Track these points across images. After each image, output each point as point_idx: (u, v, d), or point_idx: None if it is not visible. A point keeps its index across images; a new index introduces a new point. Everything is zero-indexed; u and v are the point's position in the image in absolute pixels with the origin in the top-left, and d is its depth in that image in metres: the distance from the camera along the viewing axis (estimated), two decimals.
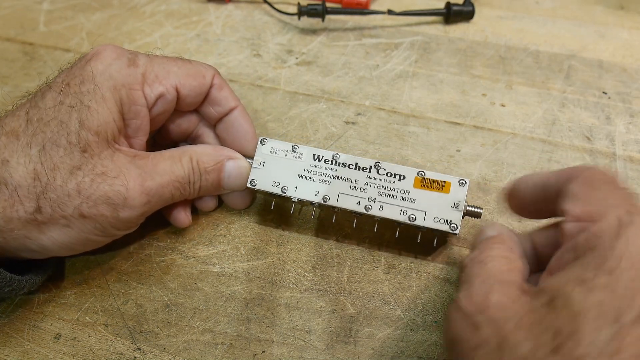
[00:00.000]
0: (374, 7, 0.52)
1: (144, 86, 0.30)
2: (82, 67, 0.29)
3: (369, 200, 0.31)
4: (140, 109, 0.30)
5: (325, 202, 0.31)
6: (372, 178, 0.31)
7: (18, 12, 0.52)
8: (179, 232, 0.35)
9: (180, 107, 0.32)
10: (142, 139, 0.31)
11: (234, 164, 0.32)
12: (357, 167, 0.32)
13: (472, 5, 0.49)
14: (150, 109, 0.31)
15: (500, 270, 0.23)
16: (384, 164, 0.32)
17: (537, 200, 0.26)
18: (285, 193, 0.32)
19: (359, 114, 0.42)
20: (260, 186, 0.32)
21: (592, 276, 0.19)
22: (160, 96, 0.31)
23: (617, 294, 0.19)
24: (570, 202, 0.23)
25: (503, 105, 0.42)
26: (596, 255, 0.20)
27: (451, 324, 0.22)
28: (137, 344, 0.30)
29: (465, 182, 0.30)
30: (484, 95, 0.43)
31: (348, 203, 0.31)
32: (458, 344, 0.22)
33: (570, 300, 0.19)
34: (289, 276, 0.32)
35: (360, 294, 0.32)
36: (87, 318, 0.31)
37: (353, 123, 0.41)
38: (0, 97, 0.44)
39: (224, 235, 0.34)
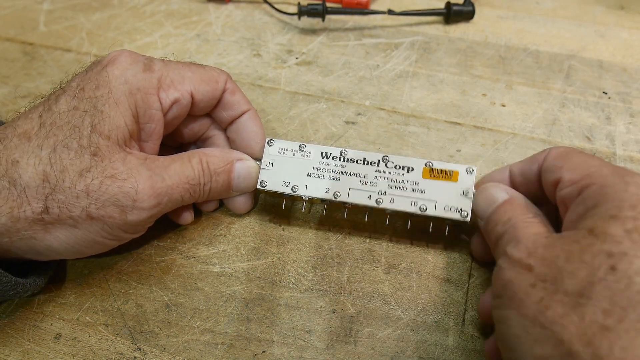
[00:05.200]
0: (374, 7, 0.52)
1: (159, 91, 0.30)
2: (98, 72, 0.29)
3: (380, 193, 0.31)
4: (155, 113, 0.30)
5: (336, 198, 0.31)
6: (381, 172, 0.32)
7: (18, 12, 0.52)
8: (179, 232, 0.35)
9: (193, 111, 0.33)
10: (155, 142, 0.31)
11: (243, 165, 0.33)
12: (365, 162, 0.32)
13: (472, 5, 0.49)
14: (165, 114, 0.31)
15: (531, 223, 0.26)
16: (391, 157, 0.32)
17: (519, 186, 0.30)
18: (295, 192, 0.32)
19: (359, 114, 0.42)
20: (270, 187, 0.32)
21: (618, 212, 0.22)
22: (175, 101, 0.31)
23: None
24: (557, 172, 0.26)
25: (503, 105, 0.42)
26: (612, 199, 0.23)
27: (502, 271, 0.24)
28: (137, 344, 0.30)
29: (473, 170, 0.31)
30: (484, 95, 0.43)
31: (359, 198, 0.31)
32: (511, 287, 0.24)
33: (608, 230, 0.22)
34: (289, 276, 0.32)
35: (360, 294, 0.32)
36: (87, 318, 0.31)
37: (353, 123, 0.41)
38: (0, 97, 0.44)
39: (224, 235, 0.34)
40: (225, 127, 0.35)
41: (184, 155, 0.31)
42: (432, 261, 0.33)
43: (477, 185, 0.31)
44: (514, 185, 0.30)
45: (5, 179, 0.26)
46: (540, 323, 0.22)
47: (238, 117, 0.34)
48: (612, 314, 0.20)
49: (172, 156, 0.31)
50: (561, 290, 0.22)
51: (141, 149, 0.31)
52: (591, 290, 0.21)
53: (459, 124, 0.41)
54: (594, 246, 0.22)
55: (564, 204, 0.26)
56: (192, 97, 0.31)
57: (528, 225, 0.26)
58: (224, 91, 0.33)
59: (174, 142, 0.35)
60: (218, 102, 0.33)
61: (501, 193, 0.29)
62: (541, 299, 0.22)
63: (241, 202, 0.34)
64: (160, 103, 0.30)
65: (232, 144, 0.35)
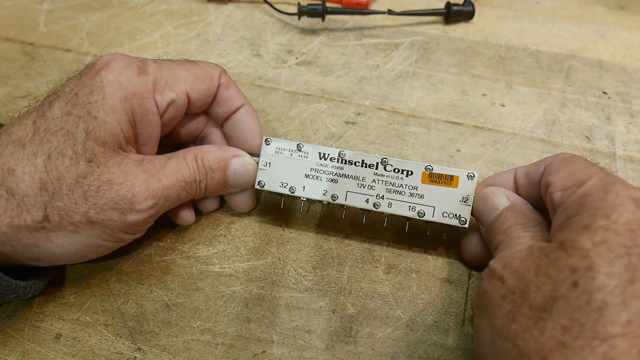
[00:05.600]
0: (374, 7, 0.52)
1: (154, 94, 0.30)
2: (91, 77, 0.29)
3: (377, 197, 0.31)
4: (152, 117, 0.30)
5: (334, 200, 0.31)
6: (379, 175, 0.31)
7: (18, 12, 0.52)
8: (179, 232, 0.35)
9: (190, 110, 0.33)
10: (153, 145, 0.31)
11: (239, 161, 0.32)
12: (364, 164, 0.32)
13: (472, 5, 0.49)
14: (161, 116, 0.31)
15: (525, 234, 0.26)
16: (390, 160, 0.31)
17: (522, 188, 0.30)
18: (293, 193, 0.32)
19: (359, 114, 0.42)
20: (268, 187, 0.32)
21: (590, 222, 0.22)
22: (171, 102, 0.31)
23: (618, 233, 0.21)
24: (554, 175, 0.26)
25: (503, 105, 0.42)
26: (589, 207, 0.23)
27: (481, 282, 0.25)
28: (137, 344, 0.30)
29: (474, 176, 0.31)
30: (484, 95, 0.43)
31: (356, 201, 0.31)
32: (486, 297, 0.24)
33: (576, 243, 0.21)
34: (289, 276, 0.32)
35: (360, 294, 0.32)
36: (87, 318, 0.31)
37: (353, 123, 0.41)
38: (0, 97, 0.44)
39: (224, 235, 0.34)
40: (221, 124, 0.34)
41: (179, 153, 0.31)
42: (432, 261, 0.33)
43: (480, 187, 0.31)
44: (518, 187, 0.30)
45: (3, 188, 0.26)
46: (505, 335, 0.22)
47: (233, 113, 0.33)
48: (570, 331, 0.20)
49: (168, 155, 0.31)
50: (527, 304, 0.22)
51: (138, 152, 0.31)
52: (553, 306, 0.21)
53: (459, 124, 0.41)
54: (560, 260, 0.22)
55: (553, 208, 0.26)
56: (188, 97, 0.31)
57: (521, 235, 0.26)
58: (218, 86, 0.32)
59: (171, 141, 0.35)
60: (213, 98, 0.33)
61: (502, 199, 0.29)
62: (509, 311, 0.22)
63: (242, 201, 0.34)
64: (157, 106, 0.30)
65: (229, 140, 0.34)
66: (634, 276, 0.20)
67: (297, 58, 0.46)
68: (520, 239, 0.26)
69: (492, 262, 0.25)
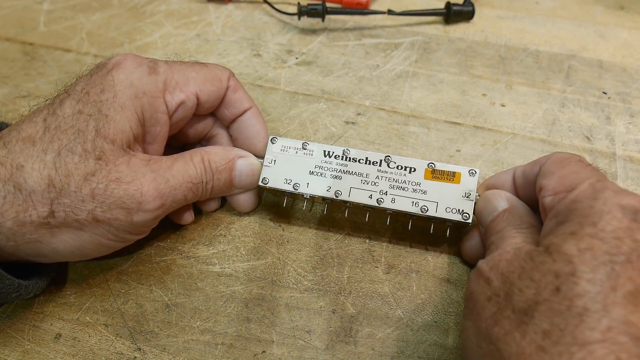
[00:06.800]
0: (374, 7, 0.52)
1: (165, 94, 0.30)
2: (103, 76, 0.29)
3: (381, 193, 0.31)
4: (161, 117, 0.30)
5: (337, 197, 0.31)
6: (382, 172, 0.32)
7: (18, 12, 0.52)
8: (179, 232, 0.35)
9: (198, 111, 0.33)
10: (160, 144, 0.31)
11: (245, 162, 0.33)
12: (368, 162, 0.32)
13: (472, 5, 0.49)
14: (170, 116, 0.31)
15: (517, 236, 0.26)
16: (394, 157, 0.32)
17: (520, 188, 0.30)
18: (297, 190, 0.32)
19: (359, 114, 0.42)
20: (272, 184, 0.32)
21: (578, 228, 0.22)
22: (181, 103, 0.31)
23: (604, 241, 0.21)
24: (546, 178, 0.26)
25: (503, 105, 0.42)
26: (577, 214, 0.23)
27: (470, 282, 0.25)
28: (137, 344, 0.30)
29: (476, 172, 0.31)
30: (484, 95, 0.43)
31: (360, 197, 0.31)
32: (472, 298, 0.24)
33: (562, 248, 0.22)
34: (289, 276, 0.32)
35: (360, 294, 0.32)
36: (87, 318, 0.31)
37: (353, 123, 0.41)
38: (0, 97, 0.44)
39: (224, 235, 0.34)
40: (227, 125, 0.35)
41: (186, 154, 0.31)
42: (432, 261, 0.33)
43: (481, 187, 0.31)
44: (516, 187, 0.30)
45: (11, 183, 0.26)
46: (489, 338, 0.22)
47: (240, 115, 0.34)
48: (550, 335, 0.20)
49: (175, 156, 0.31)
50: (510, 307, 0.22)
51: (146, 151, 0.31)
52: (535, 310, 0.21)
53: (459, 124, 0.41)
54: (545, 265, 0.22)
55: (544, 211, 0.26)
56: (197, 98, 0.31)
57: (513, 237, 0.26)
58: (226, 88, 0.33)
59: (178, 142, 0.35)
60: (221, 100, 0.33)
61: (501, 202, 0.29)
62: (493, 314, 0.22)
63: (244, 200, 0.34)
64: (166, 106, 0.30)
65: (234, 142, 0.35)
66: (616, 284, 0.20)
67: (297, 58, 0.46)
68: (511, 240, 0.26)
69: (480, 263, 0.25)
